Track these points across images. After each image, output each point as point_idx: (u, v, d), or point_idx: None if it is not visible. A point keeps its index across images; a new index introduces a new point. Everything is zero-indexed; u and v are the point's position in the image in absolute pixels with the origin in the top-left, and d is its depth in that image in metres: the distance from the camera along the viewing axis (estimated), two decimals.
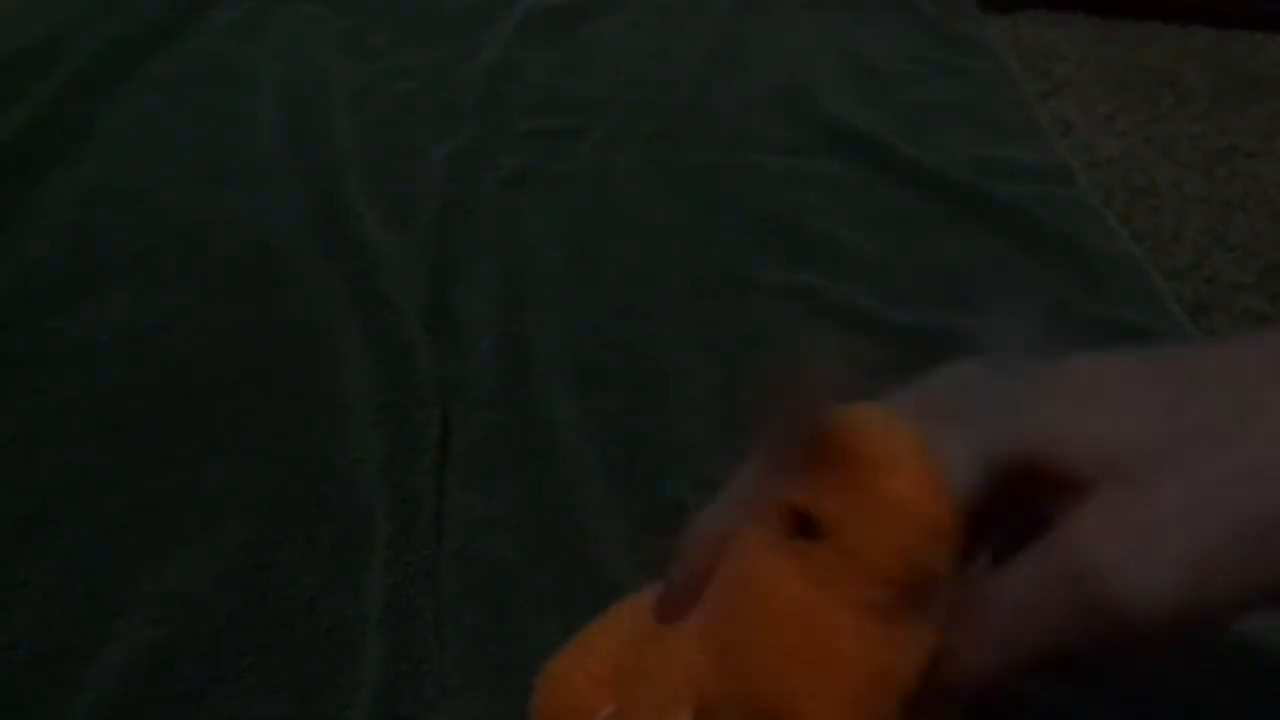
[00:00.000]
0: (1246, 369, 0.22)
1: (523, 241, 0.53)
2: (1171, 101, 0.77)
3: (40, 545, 0.35)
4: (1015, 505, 0.22)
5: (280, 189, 0.56)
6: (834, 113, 0.65)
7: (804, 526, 0.21)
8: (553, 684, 0.26)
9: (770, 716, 0.21)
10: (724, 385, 0.44)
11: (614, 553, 0.36)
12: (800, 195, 0.58)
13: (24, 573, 0.35)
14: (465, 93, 0.67)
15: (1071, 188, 0.62)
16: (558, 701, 0.26)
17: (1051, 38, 0.87)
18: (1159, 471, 0.20)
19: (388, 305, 0.46)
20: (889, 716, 0.21)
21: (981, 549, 0.23)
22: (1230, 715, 0.32)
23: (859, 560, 0.20)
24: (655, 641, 0.24)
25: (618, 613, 0.26)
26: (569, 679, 0.25)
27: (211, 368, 0.43)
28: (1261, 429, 0.20)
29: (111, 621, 0.33)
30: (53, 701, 0.31)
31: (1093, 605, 0.20)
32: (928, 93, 0.71)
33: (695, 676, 0.22)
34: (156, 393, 0.42)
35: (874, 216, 0.56)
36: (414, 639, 0.32)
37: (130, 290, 0.48)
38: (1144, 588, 0.20)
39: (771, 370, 0.20)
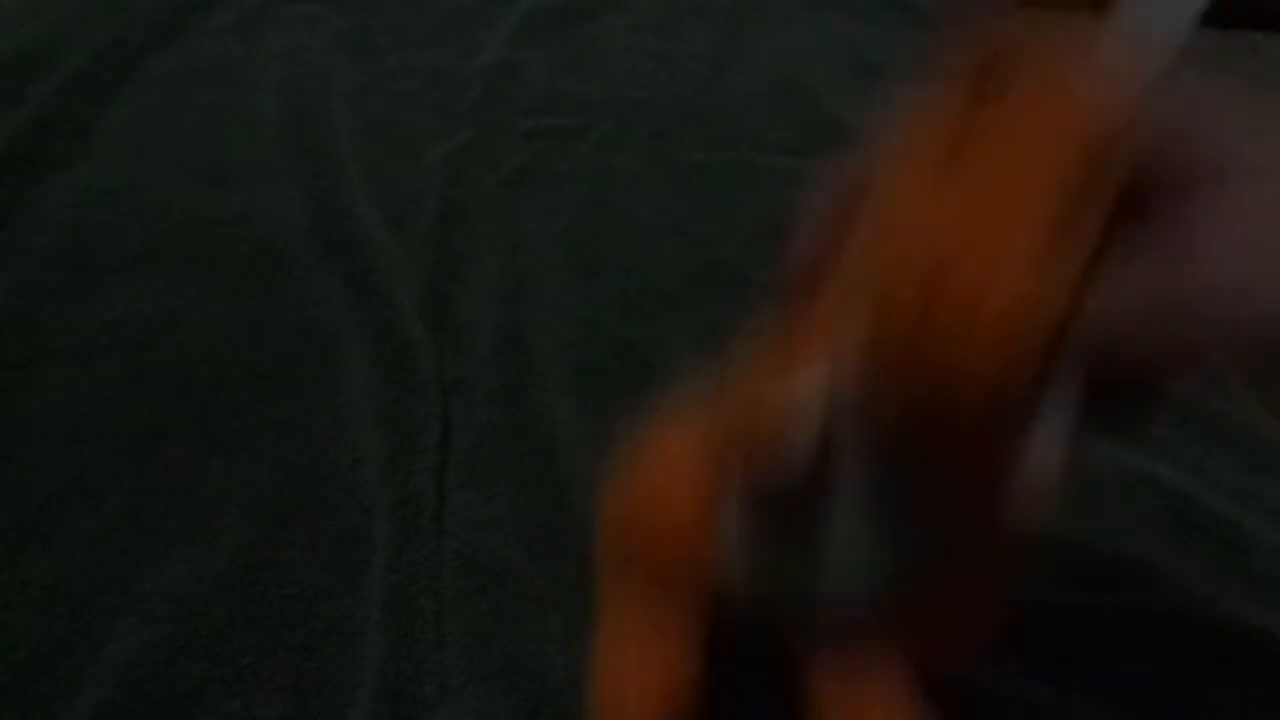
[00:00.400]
0: None
1: (523, 241, 0.53)
2: None
3: (40, 545, 0.35)
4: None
5: (280, 189, 0.56)
6: (834, 113, 0.65)
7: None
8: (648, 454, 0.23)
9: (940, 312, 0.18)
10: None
11: None
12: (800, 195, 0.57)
13: (24, 573, 0.35)
14: (465, 93, 0.67)
15: None
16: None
17: None
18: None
19: (388, 305, 0.46)
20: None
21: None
22: (1223, 712, 0.32)
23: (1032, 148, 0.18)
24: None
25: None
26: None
27: (211, 368, 0.43)
28: None
29: (111, 621, 0.33)
30: (53, 701, 0.31)
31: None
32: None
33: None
34: (156, 393, 0.42)
35: None
36: (414, 639, 0.32)
37: (130, 290, 0.48)
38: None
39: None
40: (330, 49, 0.72)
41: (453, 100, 0.66)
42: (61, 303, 0.46)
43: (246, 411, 0.41)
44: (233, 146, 0.60)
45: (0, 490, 0.37)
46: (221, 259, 0.50)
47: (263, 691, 0.31)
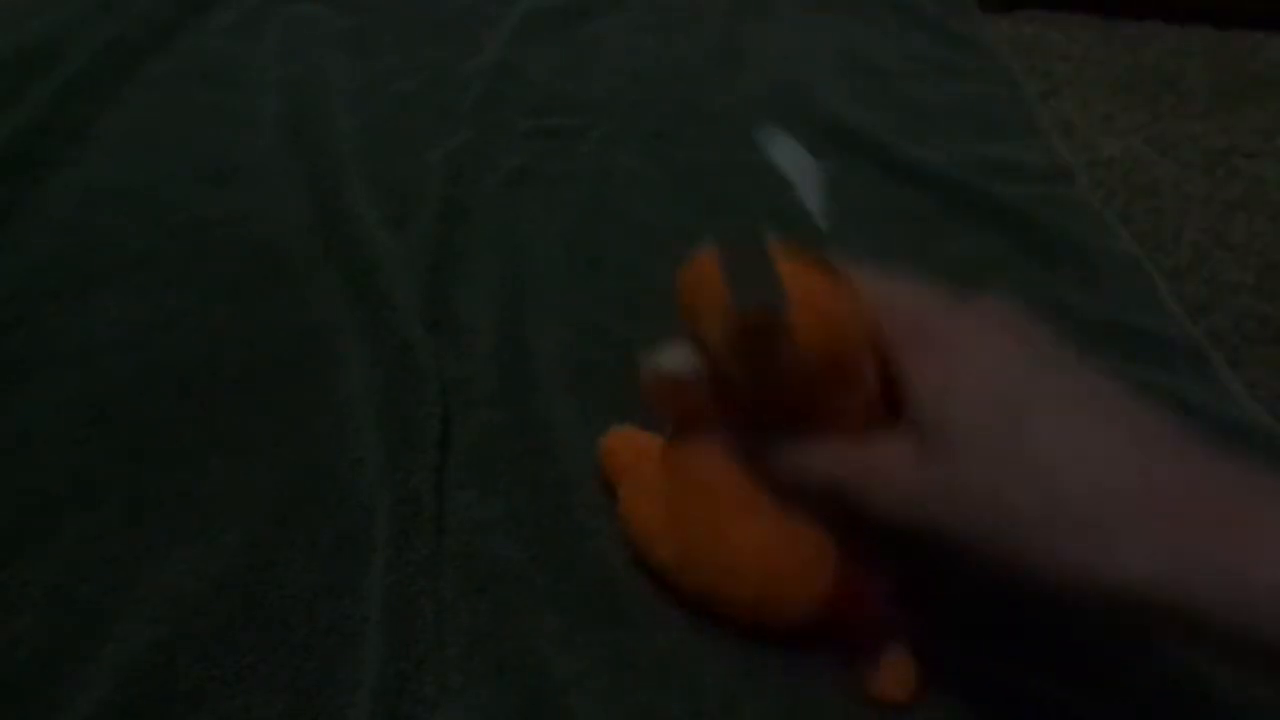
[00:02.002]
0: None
1: (523, 241, 0.53)
2: (1171, 101, 0.77)
3: (40, 545, 0.35)
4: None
5: (280, 189, 0.56)
6: (834, 113, 0.65)
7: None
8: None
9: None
10: None
11: (614, 552, 0.36)
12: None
13: (24, 573, 0.35)
14: (465, 93, 0.67)
15: (1071, 188, 0.61)
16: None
17: (1051, 38, 0.87)
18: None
19: (388, 305, 0.46)
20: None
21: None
22: (1223, 712, 0.32)
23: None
24: None
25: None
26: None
27: (211, 368, 0.43)
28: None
29: (111, 621, 0.33)
30: (53, 701, 0.31)
31: (1001, 549, 0.25)
32: (928, 93, 0.71)
33: None
34: (156, 393, 0.42)
35: (874, 216, 0.56)
36: (414, 639, 0.32)
37: (130, 290, 0.48)
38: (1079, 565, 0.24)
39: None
40: (330, 49, 0.72)
41: (453, 100, 0.66)
42: (61, 303, 0.46)
43: (246, 411, 0.41)
44: (233, 146, 0.60)
45: (0, 490, 0.37)
46: (221, 259, 0.50)
47: (263, 691, 0.31)
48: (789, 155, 0.29)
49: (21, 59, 0.65)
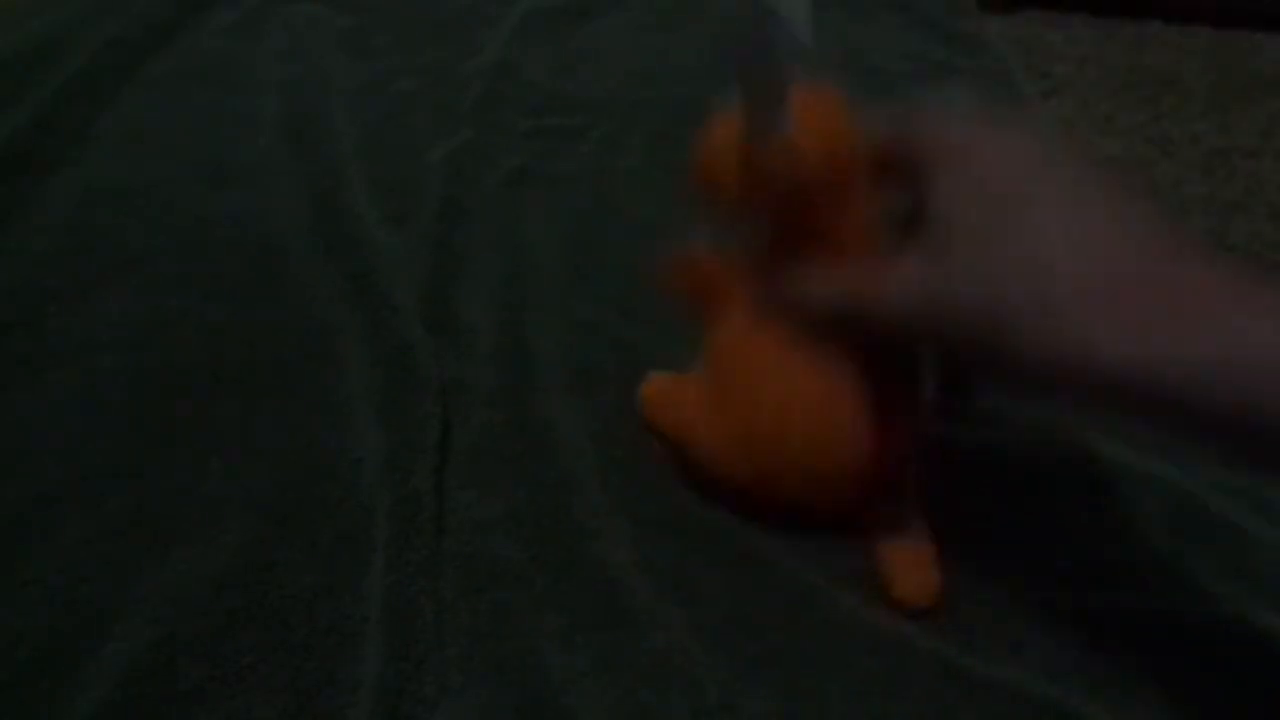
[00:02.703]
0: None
1: (523, 241, 0.53)
2: (1171, 101, 0.77)
3: (40, 545, 0.35)
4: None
5: (280, 189, 0.56)
6: None
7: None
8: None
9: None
10: None
11: (614, 552, 0.36)
12: None
13: (24, 573, 0.35)
14: (465, 93, 0.67)
15: None
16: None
17: (1051, 38, 0.87)
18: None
19: (388, 305, 0.46)
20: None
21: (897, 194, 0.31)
22: (1223, 712, 0.32)
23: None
24: None
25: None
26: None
27: (211, 368, 0.43)
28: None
29: (111, 621, 0.33)
30: (53, 701, 0.31)
31: (985, 332, 0.26)
32: (928, 93, 0.71)
33: None
34: (156, 392, 0.42)
35: None
36: (414, 639, 0.32)
37: (130, 290, 0.48)
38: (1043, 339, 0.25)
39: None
40: (330, 49, 0.72)
41: (453, 100, 0.66)
42: (61, 303, 0.46)
43: (246, 411, 0.41)
44: (233, 146, 0.60)
45: (0, 490, 0.37)
46: (221, 259, 0.50)
47: (263, 691, 0.31)
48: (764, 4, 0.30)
49: (21, 59, 0.65)
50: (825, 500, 0.34)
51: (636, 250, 0.53)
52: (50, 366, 0.43)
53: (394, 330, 0.44)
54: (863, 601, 0.35)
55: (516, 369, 0.44)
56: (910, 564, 0.35)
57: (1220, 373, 0.23)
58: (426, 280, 0.49)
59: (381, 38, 0.75)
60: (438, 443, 0.39)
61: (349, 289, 0.47)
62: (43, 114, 0.59)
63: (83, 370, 0.43)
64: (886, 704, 0.32)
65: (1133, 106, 0.77)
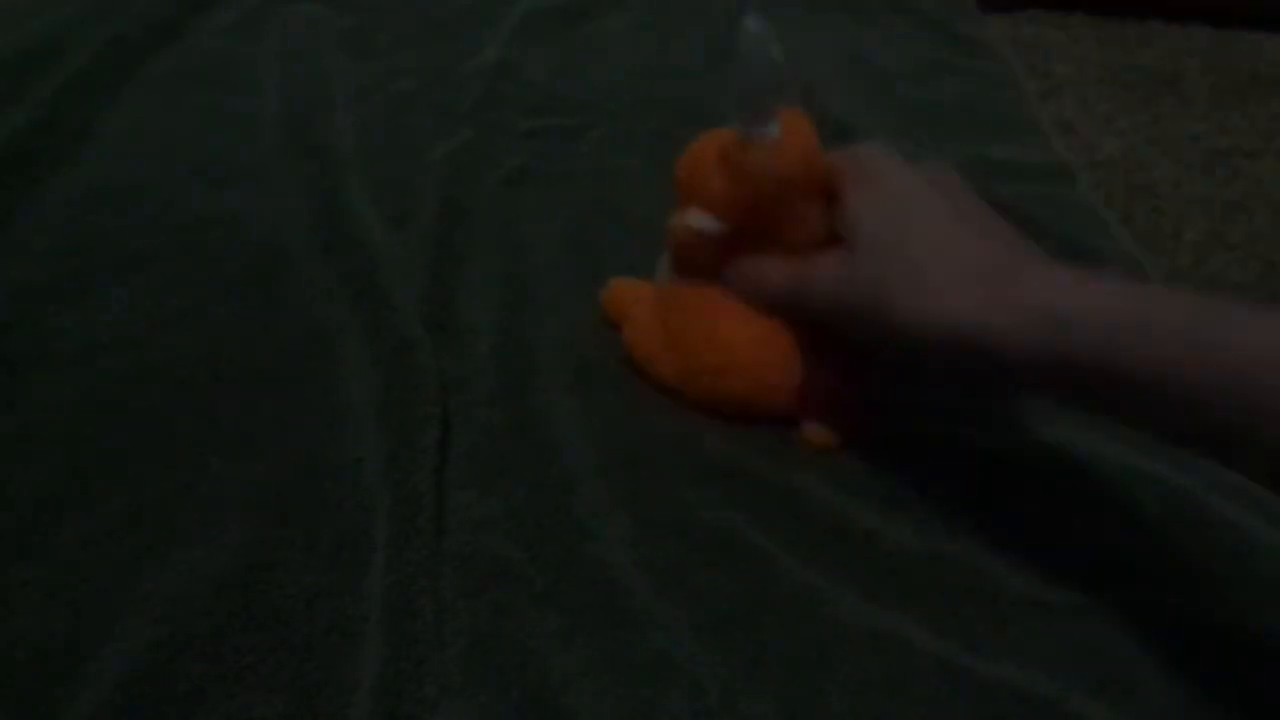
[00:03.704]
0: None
1: (523, 241, 0.53)
2: (1171, 101, 0.77)
3: (40, 545, 0.35)
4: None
5: (280, 189, 0.56)
6: (835, 113, 0.65)
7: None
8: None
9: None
10: None
11: (614, 552, 0.36)
12: None
13: (24, 573, 0.35)
14: (465, 93, 0.67)
15: (1071, 188, 0.62)
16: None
17: (1051, 38, 0.87)
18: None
19: (388, 305, 0.46)
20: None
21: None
22: (1223, 712, 0.32)
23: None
24: None
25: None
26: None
27: (211, 368, 0.43)
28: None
29: (111, 621, 0.33)
30: (53, 701, 0.31)
31: (881, 314, 0.35)
32: (928, 93, 0.71)
33: None
34: (156, 393, 0.42)
35: None
36: (414, 639, 0.32)
37: (130, 290, 0.48)
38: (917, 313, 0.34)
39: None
40: (330, 49, 0.72)
41: (453, 100, 0.66)
42: (61, 303, 0.46)
43: (246, 411, 0.41)
44: (233, 146, 0.60)
45: (0, 490, 0.37)
46: (221, 259, 0.50)
47: (263, 691, 0.31)
48: (758, 40, 0.36)
49: (21, 59, 0.65)
50: (762, 416, 0.42)
51: (636, 250, 0.53)
52: (50, 366, 0.43)
53: (394, 330, 0.44)
54: (863, 601, 0.35)
55: (516, 369, 0.44)
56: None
57: (1041, 323, 0.31)
58: (426, 280, 0.49)
59: (381, 38, 0.75)
60: (438, 443, 0.39)
61: (349, 289, 0.48)
62: (43, 114, 0.59)
63: (83, 370, 0.43)
64: (886, 704, 0.32)
65: (1133, 107, 0.77)
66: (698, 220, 0.40)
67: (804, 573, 0.36)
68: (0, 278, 0.48)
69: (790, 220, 0.39)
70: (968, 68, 0.75)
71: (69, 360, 0.43)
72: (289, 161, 0.58)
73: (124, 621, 0.33)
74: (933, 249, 0.34)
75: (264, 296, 0.48)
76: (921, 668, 0.33)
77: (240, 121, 0.63)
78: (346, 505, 0.37)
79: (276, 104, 0.64)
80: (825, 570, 0.36)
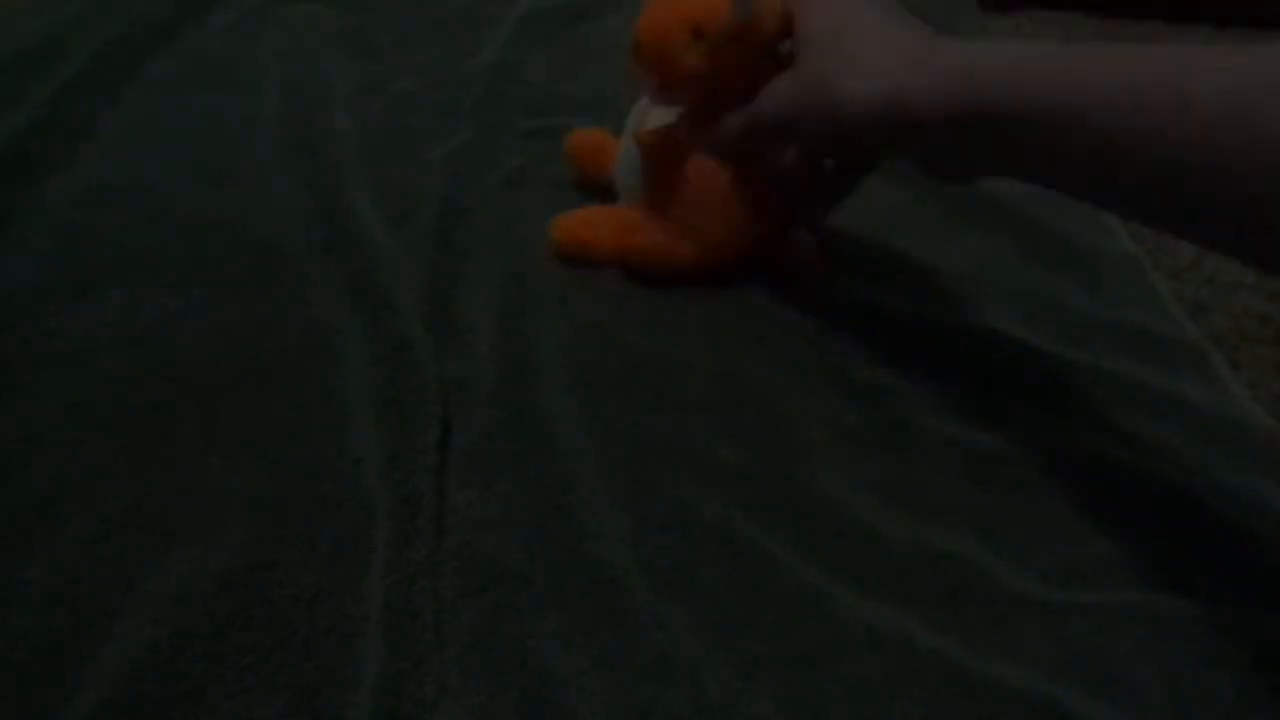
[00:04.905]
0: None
1: (523, 241, 0.53)
2: None
3: (40, 545, 0.35)
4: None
5: (280, 189, 0.56)
6: None
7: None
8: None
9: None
10: (725, 383, 0.44)
11: (614, 552, 0.36)
12: None
13: (24, 573, 0.35)
14: (465, 93, 0.67)
15: None
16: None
17: (1052, 37, 0.87)
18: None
19: (388, 305, 0.46)
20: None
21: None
22: (1223, 712, 0.32)
23: None
24: None
25: None
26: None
27: (211, 368, 0.43)
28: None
29: (111, 621, 0.33)
30: (53, 701, 0.31)
31: (825, 101, 0.41)
32: None
33: None
34: (156, 393, 0.42)
35: (874, 217, 0.56)
36: (414, 639, 0.32)
37: (130, 290, 0.48)
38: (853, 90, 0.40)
39: None
40: (330, 49, 0.72)
41: (453, 100, 0.66)
42: (61, 303, 0.46)
43: (246, 411, 0.41)
44: (233, 146, 0.60)
45: (0, 490, 0.37)
46: (221, 259, 0.50)
47: (263, 691, 0.31)
48: None
49: (21, 59, 0.65)
50: (734, 249, 0.49)
51: None
52: (50, 366, 0.43)
53: (394, 330, 0.44)
54: (863, 601, 0.35)
55: (516, 369, 0.44)
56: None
57: (957, 79, 0.36)
58: (426, 280, 0.49)
59: (381, 38, 0.75)
60: (438, 443, 0.39)
61: (349, 289, 0.48)
62: (43, 114, 0.59)
63: (83, 370, 0.43)
64: (886, 704, 0.32)
65: None
66: (659, 118, 0.46)
67: (804, 572, 0.36)
68: (0, 278, 0.48)
69: (758, 76, 0.44)
70: None
71: (69, 360, 0.43)
72: (289, 161, 0.58)
73: (124, 621, 0.33)
74: (865, 40, 0.40)
75: (264, 296, 0.48)
76: (921, 667, 0.33)
77: (240, 121, 0.63)
78: (346, 505, 0.37)
79: (276, 104, 0.64)
80: (825, 569, 0.36)
